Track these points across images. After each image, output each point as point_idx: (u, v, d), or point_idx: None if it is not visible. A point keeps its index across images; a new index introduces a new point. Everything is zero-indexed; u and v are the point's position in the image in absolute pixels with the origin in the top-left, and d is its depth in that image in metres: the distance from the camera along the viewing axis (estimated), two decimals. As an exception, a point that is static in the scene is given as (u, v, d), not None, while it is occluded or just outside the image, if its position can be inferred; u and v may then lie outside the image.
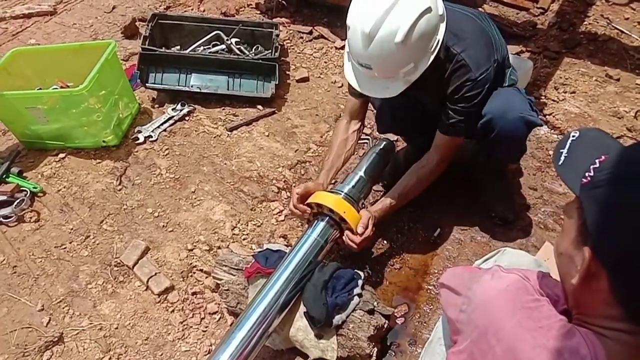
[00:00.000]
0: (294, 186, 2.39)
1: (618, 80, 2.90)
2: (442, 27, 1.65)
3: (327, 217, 1.86)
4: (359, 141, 2.47)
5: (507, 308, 0.88)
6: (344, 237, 1.87)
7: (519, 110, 1.84)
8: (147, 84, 2.74)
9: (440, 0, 1.64)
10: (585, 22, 3.33)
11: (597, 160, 0.85)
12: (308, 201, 1.89)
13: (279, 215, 2.27)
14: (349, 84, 1.95)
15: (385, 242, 2.18)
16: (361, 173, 2.10)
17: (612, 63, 3.02)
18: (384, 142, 2.21)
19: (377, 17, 1.52)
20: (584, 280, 0.83)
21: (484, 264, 1.40)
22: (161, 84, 2.76)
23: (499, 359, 0.86)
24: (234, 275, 1.88)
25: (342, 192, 1.93)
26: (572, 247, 0.86)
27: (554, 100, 2.77)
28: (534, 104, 1.93)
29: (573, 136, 0.95)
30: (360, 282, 1.78)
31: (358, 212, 1.86)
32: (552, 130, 2.62)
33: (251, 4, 3.56)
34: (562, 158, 0.92)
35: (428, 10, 1.55)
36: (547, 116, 2.67)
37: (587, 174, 0.84)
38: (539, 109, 2.69)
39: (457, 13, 1.81)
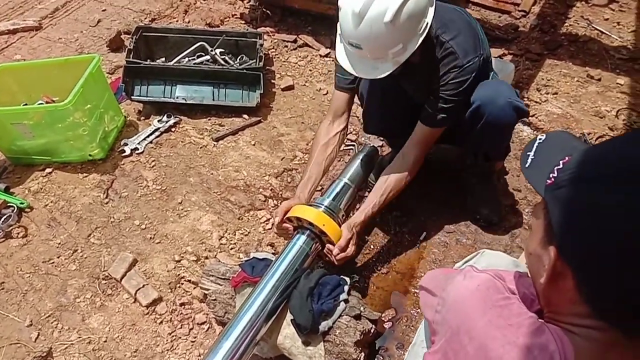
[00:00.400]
0: (281, 194, 2.41)
1: (599, 80, 2.94)
2: (431, 10, 1.69)
3: (308, 231, 1.87)
4: (345, 147, 2.50)
5: (478, 307, 0.89)
6: (325, 251, 1.89)
7: (507, 96, 1.87)
8: (132, 97, 2.75)
9: None
10: (566, 24, 3.38)
11: (561, 162, 0.86)
12: (288, 215, 1.90)
13: (266, 224, 2.28)
14: (335, 73, 1.97)
15: (372, 247, 2.20)
16: (345, 180, 2.12)
17: (593, 63, 3.06)
18: (368, 148, 2.23)
19: None
20: (551, 279, 0.84)
21: (463, 265, 1.41)
22: (146, 96, 2.78)
23: (471, 358, 0.87)
24: (221, 285, 1.89)
25: (322, 205, 1.95)
26: (540, 247, 0.88)
27: (536, 102, 2.80)
28: (518, 93, 1.96)
29: (540, 139, 0.97)
30: (346, 287, 1.79)
31: (339, 224, 1.87)
32: (536, 132, 2.65)
33: (236, 14, 3.59)
34: (529, 161, 0.94)
35: None
36: (530, 117, 2.70)
37: (551, 175, 0.86)
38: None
39: (447, 7, 1.84)
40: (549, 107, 2.77)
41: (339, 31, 1.74)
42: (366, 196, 2.29)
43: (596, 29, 3.31)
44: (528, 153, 0.96)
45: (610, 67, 3.02)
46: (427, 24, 1.67)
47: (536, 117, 2.70)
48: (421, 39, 1.68)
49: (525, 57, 3.12)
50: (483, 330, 0.87)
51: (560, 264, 0.82)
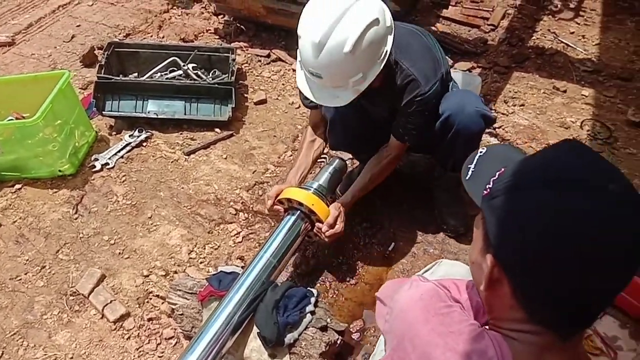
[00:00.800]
0: (252, 207, 2.42)
1: (565, 92, 3.02)
2: (390, 38, 1.72)
3: (298, 212, 1.96)
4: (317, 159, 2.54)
5: (421, 315, 0.92)
6: (315, 230, 1.97)
7: (474, 105, 1.93)
8: (103, 112, 2.75)
9: (388, 13, 1.71)
10: (533, 37, 3.46)
11: (497, 173, 0.89)
12: (279, 197, 1.98)
13: (237, 237, 2.29)
14: (300, 92, 2.01)
15: (340, 258, 2.21)
16: (332, 167, 2.22)
17: (559, 75, 3.14)
18: (336, 161, 2.26)
19: (326, 28, 1.58)
20: (489, 287, 0.87)
21: (424, 275, 1.44)
22: (118, 111, 2.78)
23: (415, 366, 0.89)
24: (188, 300, 1.89)
25: (312, 187, 2.02)
26: (480, 256, 0.90)
27: (503, 114, 2.86)
28: (485, 102, 2.02)
29: (480, 152, 1.01)
30: (312, 299, 1.80)
31: (327, 205, 1.96)
32: (502, 143, 2.71)
33: (210, 30, 3.62)
34: (469, 173, 0.97)
35: (376, 21, 1.62)
36: (496, 129, 2.75)
37: (487, 186, 0.89)
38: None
39: (403, 29, 1.89)
40: (516, 119, 2.83)
41: (299, 58, 1.77)
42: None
43: (562, 42, 3.40)
44: (469, 166, 1.00)
45: (575, 79, 3.10)
46: (387, 52, 1.71)
47: (503, 129, 2.76)
48: (381, 66, 1.72)
49: (494, 70, 3.19)
50: (426, 337, 0.89)
51: (497, 271, 0.84)
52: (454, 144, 2.00)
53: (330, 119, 2.13)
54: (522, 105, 2.93)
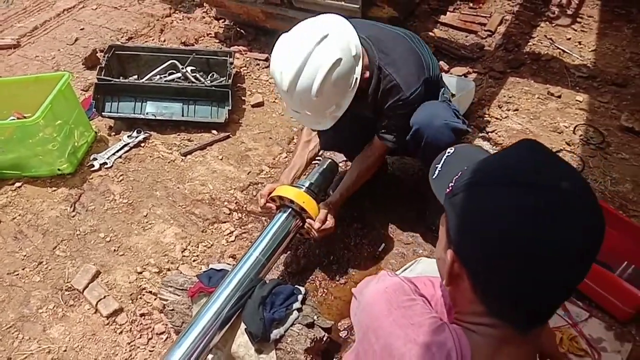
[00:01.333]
0: (246, 207, 2.47)
1: (559, 97, 3.04)
2: (358, 67, 1.77)
3: (290, 209, 2.00)
4: (312, 161, 2.58)
5: (384, 308, 0.95)
6: (306, 226, 2.01)
7: (442, 118, 1.94)
8: (103, 113, 2.81)
9: (354, 40, 1.75)
10: (529, 43, 3.48)
11: (459, 171, 0.93)
12: (271, 195, 2.04)
13: (230, 236, 2.33)
14: None
15: (331, 257, 2.25)
16: (322, 168, 2.25)
17: (554, 81, 3.16)
18: (328, 162, 2.30)
19: (290, 77, 1.66)
20: (451, 281, 0.90)
21: (403, 272, 1.47)
22: (117, 112, 2.84)
23: (378, 356, 0.93)
24: (179, 296, 1.94)
25: (304, 186, 2.07)
26: (443, 252, 0.93)
27: (497, 118, 2.89)
28: (458, 113, 2.05)
29: (449, 152, 1.04)
30: (300, 297, 1.84)
31: (318, 204, 2.01)
32: (495, 147, 2.73)
33: (210, 34, 3.67)
34: (436, 172, 1.01)
35: (338, 62, 1.67)
36: (489, 133, 2.78)
37: (450, 184, 0.92)
38: (482, 126, 2.82)
39: (389, 33, 1.93)
40: (509, 123, 2.86)
41: None
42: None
43: (558, 48, 3.42)
44: (436, 165, 1.03)
45: (570, 84, 3.12)
46: (356, 79, 1.77)
47: (496, 133, 2.78)
48: (353, 92, 1.79)
49: (489, 75, 3.22)
50: (388, 329, 0.93)
51: (457, 266, 0.87)
52: (425, 155, 2.03)
53: None
54: (516, 110, 2.96)
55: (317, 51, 1.64)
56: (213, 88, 2.84)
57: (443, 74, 3.17)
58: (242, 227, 2.37)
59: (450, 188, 0.91)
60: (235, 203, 2.48)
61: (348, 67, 1.72)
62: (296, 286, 1.89)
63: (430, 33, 3.60)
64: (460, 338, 0.88)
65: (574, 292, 0.85)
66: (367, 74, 1.86)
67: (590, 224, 0.78)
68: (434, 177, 1.00)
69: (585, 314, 1.98)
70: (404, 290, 0.97)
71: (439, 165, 1.01)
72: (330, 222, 2.00)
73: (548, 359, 1.26)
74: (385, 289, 0.98)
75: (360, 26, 1.83)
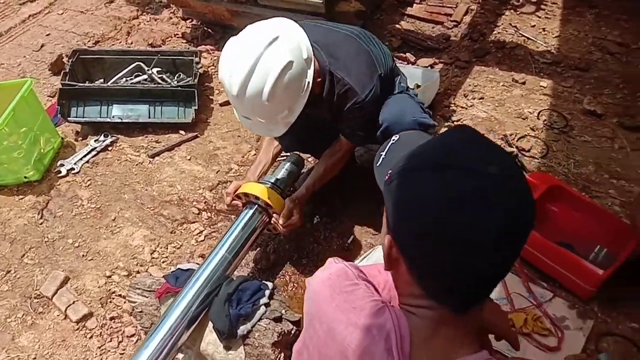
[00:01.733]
0: (215, 206, 2.47)
1: (524, 83, 3.08)
2: (310, 70, 1.75)
3: (255, 206, 2.01)
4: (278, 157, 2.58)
5: (327, 294, 0.97)
6: (272, 221, 2.03)
7: (411, 114, 1.97)
8: (69, 118, 2.79)
9: (304, 42, 1.73)
10: (494, 32, 3.52)
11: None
12: (236, 193, 2.04)
13: (199, 236, 2.34)
14: None
15: (302, 251, 2.26)
16: (288, 164, 2.23)
17: (518, 68, 3.20)
18: (294, 157, 2.31)
19: (240, 82, 1.60)
20: (390, 266, 0.92)
21: (361, 261, 1.50)
22: (83, 117, 2.83)
23: (322, 341, 0.95)
24: (147, 297, 1.94)
25: (269, 182, 2.08)
26: (384, 238, 0.96)
27: (462, 107, 2.92)
28: (424, 107, 2.07)
29: (393, 140, 1.06)
30: (267, 292, 1.85)
31: (284, 199, 2.03)
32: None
33: (178, 34, 3.66)
34: (380, 160, 1.03)
35: (289, 65, 1.63)
36: (454, 122, 2.81)
37: (389, 172, 0.94)
38: (448, 116, 2.86)
39: (337, 33, 1.93)
40: (474, 112, 2.89)
41: None
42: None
43: (523, 35, 3.46)
44: (381, 153, 1.05)
45: (534, 70, 3.17)
46: (309, 82, 1.74)
47: (461, 122, 2.82)
48: (306, 96, 1.75)
49: (455, 65, 3.25)
50: (331, 314, 0.95)
51: (395, 251, 0.89)
52: None
53: None
54: (482, 98, 2.99)
55: (267, 54, 1.60)
56: (179, 88, 2.83)
57: (409, 65, 3.21)
58: (212, 227, 2.38)
59: (389, 175, 0.92)
60: (204, 203, 2.49)
61: (299, 70, 1.69)
62: (263, 282, 1.90)
63: (397, 25, 3.62)
64: (399, 320, 0.90)
65: (507, 271, 0.87)
66: (320, 79, 1.84)
67: (514, 206, 0.80)
68: (377, 164, 1.02)
69: (549, 294, 2.02)
70: (347, 276, 0.99)
71: (383, 153, 1.03)
72: (295, 217, 2.01)
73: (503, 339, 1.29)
74: (329, 276, 1.00)
75: (307, 30, 1.79)
